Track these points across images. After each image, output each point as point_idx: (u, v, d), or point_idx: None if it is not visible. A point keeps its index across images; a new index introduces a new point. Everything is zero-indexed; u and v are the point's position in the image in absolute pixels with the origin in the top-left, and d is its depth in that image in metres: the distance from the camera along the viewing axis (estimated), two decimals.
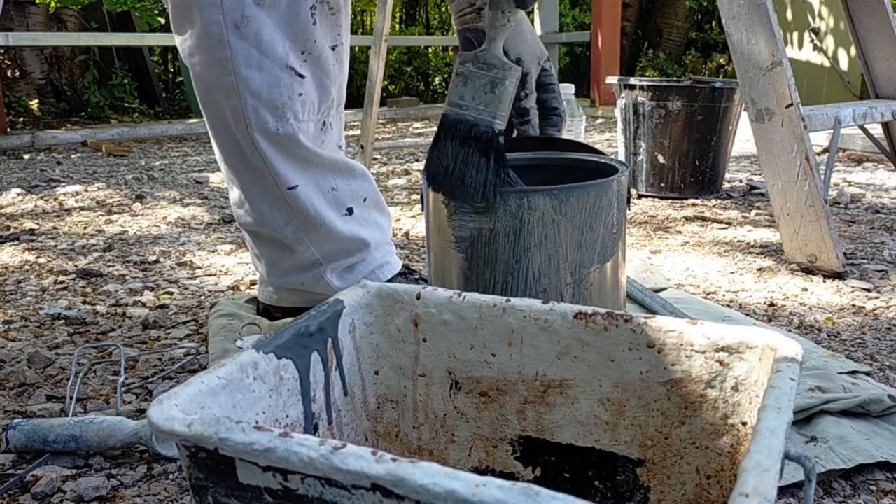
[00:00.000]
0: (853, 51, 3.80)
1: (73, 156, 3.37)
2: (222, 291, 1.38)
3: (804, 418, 0.82)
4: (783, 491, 0.72)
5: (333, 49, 1.01)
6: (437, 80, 7.06)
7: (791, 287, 1.34)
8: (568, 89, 2.29)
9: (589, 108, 4.98)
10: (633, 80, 2.18)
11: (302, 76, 0.97)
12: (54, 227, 1.94)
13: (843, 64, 4.00)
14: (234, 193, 1.07)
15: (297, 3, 0.95)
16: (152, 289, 1.41)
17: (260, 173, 1.01)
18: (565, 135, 2.37)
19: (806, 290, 1.32)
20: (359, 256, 1.09)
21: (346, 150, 1.09)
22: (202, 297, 1.35)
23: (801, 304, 1.26)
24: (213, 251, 1.67)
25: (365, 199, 1.09)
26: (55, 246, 1.74)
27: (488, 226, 0.74)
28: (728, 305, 1.25)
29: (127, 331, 1.18)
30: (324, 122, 1.03)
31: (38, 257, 1.64)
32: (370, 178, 1.12)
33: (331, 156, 1.04)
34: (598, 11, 5.18)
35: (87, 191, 2.46)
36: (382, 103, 5.56)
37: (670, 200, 2.15)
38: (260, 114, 0.96)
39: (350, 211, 1.07)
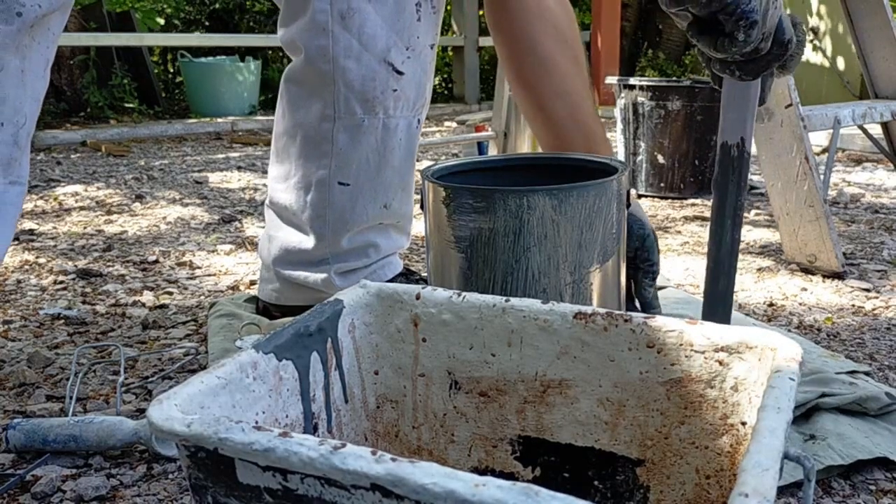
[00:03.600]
0: (852, 51, 3.81)
1: (72, 156, 3.37)
2: (222, 291, 1.38)
3: (802, 415, 0.82)
4: (783, 491, 0.72)
5: (431, 48, 1.03)
6: (436, 81, 7.04)
7: (790, 287, 1.34)
8: None
9: None
10: (632, 80, 2.18)
11: (401, 73, 0.99)
12: (54, 227, 1.93)
13: (842, 64, 4.00)
14: (283, 169, 1.07)
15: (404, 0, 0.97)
16: (152, 289, 1.41)
17: (323, 160, 1.02)
18: None
19: (805, 289, 1.32)
20: (365, 261, 1.10)
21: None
22: (202, 297, 1.35)
23: (800, 304, 1.26)
24: (213, 251, 1.67)
25: (399, 222, 1.11)
26: (55, 246, 1.74)
27: (488, 226, 0.74)
28: None
29: (127, 331, 1.18)
30: (418, 120, 1.06)
31: (37, 257, 1.63)
32: (412, 209, 1.14)
33: (409, 159, 1.06)
34: (597, 11, 5.17)
35: (86, 191, 2.46)
36: None
37: (670, 200, 2.15)
38: (350, 104, 0.99)
39: (382, 226, 1.09)
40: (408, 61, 0.99)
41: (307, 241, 1.07)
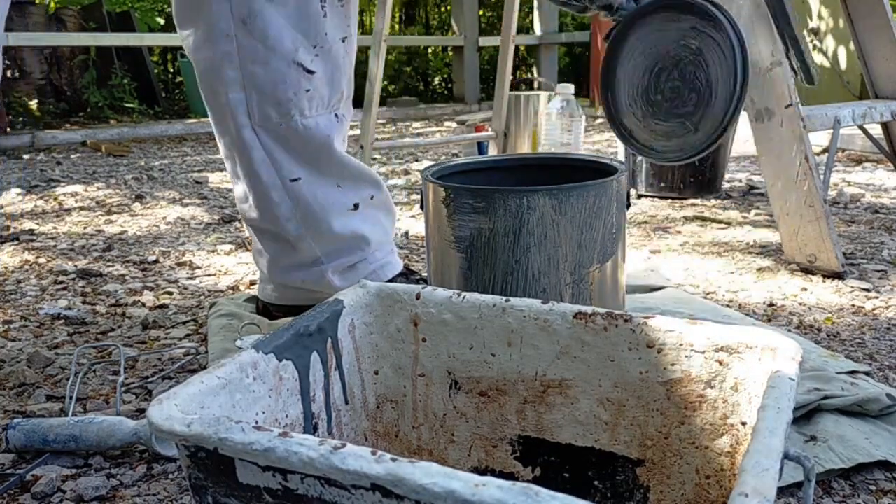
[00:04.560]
0: (852, 51, 3.80)
1: (72, 156, 3.37)
2: (222, 291, 1.38)
3: (803, 416, 0.82)
4: (783, 491, 0.72)
5: (343, 41, 1.00)
6: (436, 80, 7.05)
7: (790, 287, 1.34)
8: (568, 89, 2.30)
9: (589, 108, 4.97)
10: None
11: (311, 72, 0.97)
12: (54, 227, 1.94)
13: (843, 64, 4.00)
14: (240, 188, 1.06)
15: None
16: (152, 289, 1.41)
17: (263, 167, 1.01)
18: (564, 137, 2.37)
19: (805, 290, 1.32)
20: (359, 255, 1.09)
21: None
22: (202, 297, 1.35)
23: (800, 304, 1.26)
24: (213, 251, 1.67)
25: (372, 198, 1.09)
26: (55, 246, 1.74)
27: (488, 226, 0.74)
28: (728, 305, 1.25)
29: (127, 331, 1.18)
30: (336, 115, 1.03)
31: (38, 257, 1.64)
32: (380, 180, 1.12)
33: (339, 151, 1.04)
34: None
35: (86, 191, 2.46)
36: (382, 103, 5.56)
37: (670, 200, 2.15)
38: (264, 109, 0.97)
39: (356, 207, 1.07)
40: (317, 60, 0.97)
41: (291, 247, 1.07)
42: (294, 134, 0.98)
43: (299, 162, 1.01)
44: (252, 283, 1.41)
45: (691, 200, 2.13)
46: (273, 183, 1.01)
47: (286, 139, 0.99)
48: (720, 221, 1.87)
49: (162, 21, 5.85)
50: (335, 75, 1.00)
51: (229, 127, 0.99)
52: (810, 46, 4.11)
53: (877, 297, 1.27)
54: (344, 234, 1.06)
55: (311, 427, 0.57)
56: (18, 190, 2.48)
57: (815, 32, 4.10)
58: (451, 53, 6.13)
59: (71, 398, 0.92)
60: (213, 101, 1.00)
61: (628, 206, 0.82)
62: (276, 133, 0.98)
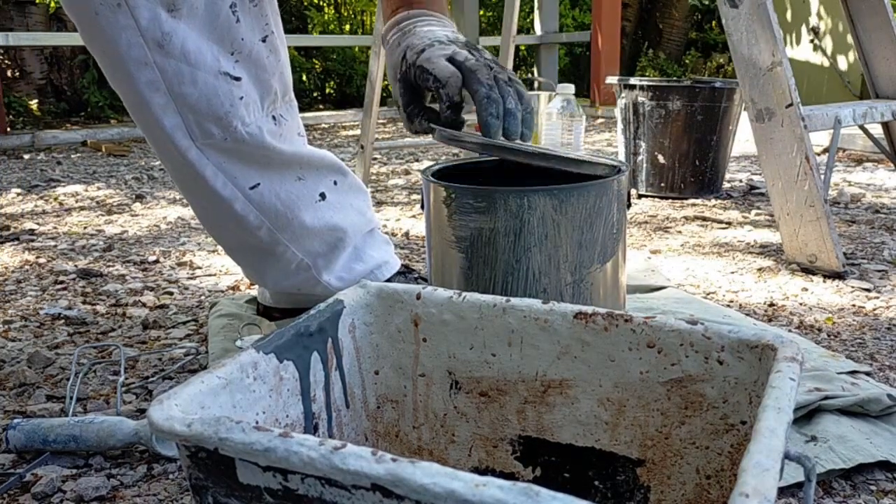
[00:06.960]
0: (853, 50, 3.80)
1: (73, 156, 3.37)
2: (222, 291, 1.38)
3: (804, 416, 0.82)
4: (783, 491, 0.72)
5: (264, 41, 0.96)
6: None
7: (791, 287, 1.34)
8: (568, 89, 2.29)
9: (589, 108, 4.97)
10: (633, 80, 2.18)
11: (238, 78, 0.93)
12: (54, 227, 1.94)
13: (843, 64, 4.00)
14: (198, 207, 1.04)
15: (216, 5, 0.90)
16: (152, 289, 1.41)
17: (219, 182, 0.97)
18: (564, 137, 2.37)
19: (806, 290, 1.32)
20: (341, 246, 1.07)
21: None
22: (202, 297, 1.35)
23: (801, 304, 1.26)
24: (213, 251, 1.67)
25: (336, 183, 1.06)
26: (55, 246, 1.74)
27: (488, 225, 0.74)
28: (728, 305, 1.25)
29: (127, 331, 1.18)
30: (273, 118, 0.99)
31: (38, 257, 1.64)
32: (338, 161, 1.08)
33: (289, 149, 1.00)
34: (598, 11, 5.18)
35: (86, 191, 2.46)
36: (382, 103, 5.56)
37: (670, 200, 2.15)
38: (204, 127, 0.93)
39: (322, 196, 1.04)
40: (238, 65, 0.93)
41: (270, 255, 1.05)
42: (241, 144, 0.95)
43: (254, 168, 0.98)
44: (252, 283, 1.41)
45: (692, 200, 2.13)
46: (233, 196, 0.98)
47: (234, 151, 0.96)
48: (720, 221, 1.87)
49: None
50: (262, 76, 0.96)
51: (172, 152, 0.95)
52: (810, 46, 4.11)
53: (877, 297, 1.27)
54: (317, 228, 1.04)
55: (311, 427, 0.57)
56: (18, 190, 2.48)
57: (816, 32, 4.10)
58: None
59: (71, 398, 0.92)
60: (148, 130, 0.95)
61: (629, 206, 0.82)
62: (221, 147, 0.95)
